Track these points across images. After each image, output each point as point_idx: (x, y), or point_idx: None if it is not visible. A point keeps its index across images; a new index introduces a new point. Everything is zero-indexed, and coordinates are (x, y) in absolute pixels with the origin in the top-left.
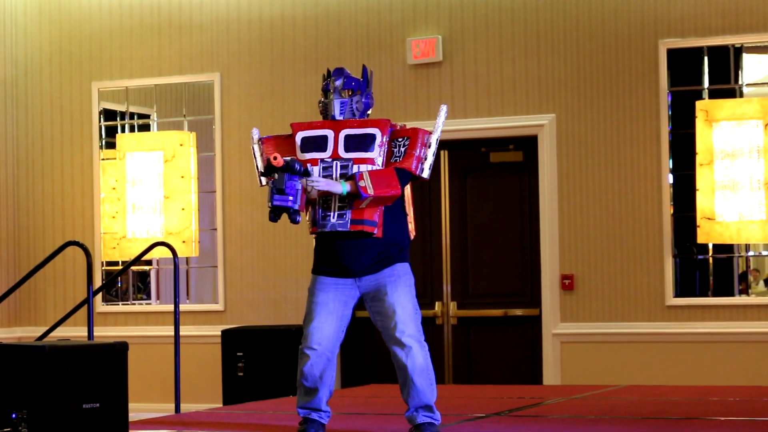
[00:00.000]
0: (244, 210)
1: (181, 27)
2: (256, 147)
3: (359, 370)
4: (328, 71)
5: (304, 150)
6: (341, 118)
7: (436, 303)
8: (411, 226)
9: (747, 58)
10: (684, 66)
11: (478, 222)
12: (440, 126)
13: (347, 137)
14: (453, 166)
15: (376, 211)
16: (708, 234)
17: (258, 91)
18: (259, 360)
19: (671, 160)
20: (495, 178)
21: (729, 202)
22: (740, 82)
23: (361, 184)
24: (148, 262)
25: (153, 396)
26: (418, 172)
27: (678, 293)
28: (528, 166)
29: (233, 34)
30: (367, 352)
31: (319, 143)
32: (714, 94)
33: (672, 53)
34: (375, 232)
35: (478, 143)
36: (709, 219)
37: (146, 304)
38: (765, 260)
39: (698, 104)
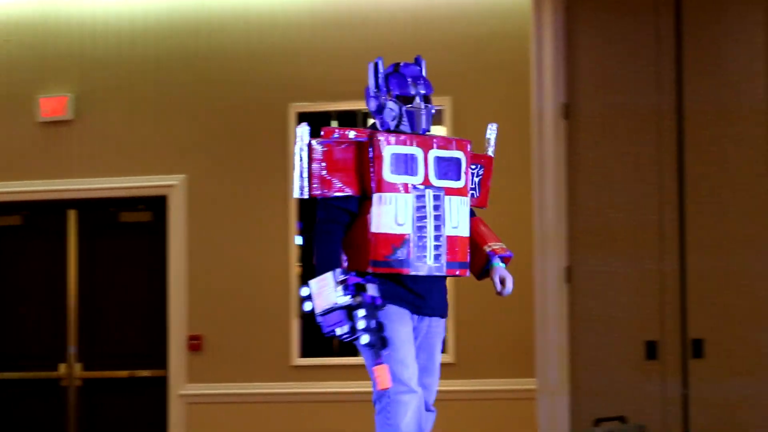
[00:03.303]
0: None
1: None
2: (305, 154)
3: None
4: (397, 66)
5: (395, 171)
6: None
7: (60, 365)
8: None
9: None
10: (313, 129)
11: (107, 282)
12: (494, 146)
13: (438, 160)
14: (82, 225)
15: (468, 251)
16: None
17: None
18: None
19: (300, 223)
20: (124, 239)
21: None
22: None
23: (498, 248)
24: None
25: None
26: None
27: (304, 353)
28: (158, 227)
29: None
30: None
31: (408, 164)
32: None
33: (302, 117)
34: (468, 273)
35: (107, 203)
36: None
37: None
38: None
39: None
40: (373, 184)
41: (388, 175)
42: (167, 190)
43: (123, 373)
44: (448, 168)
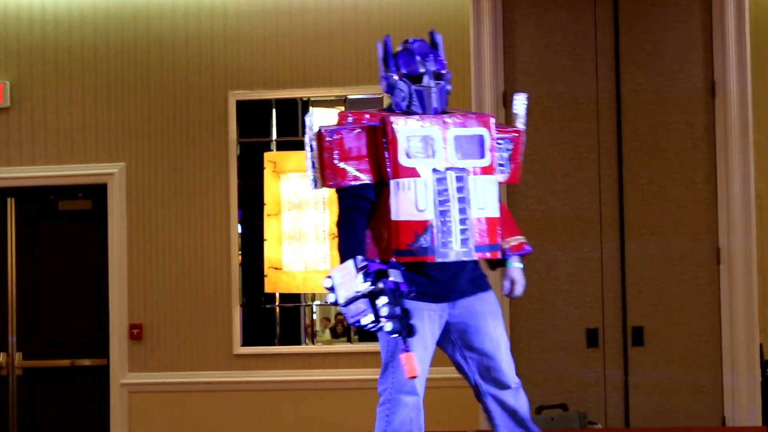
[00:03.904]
0: None
1: None
2: (315, 144)
3: None
4: (406, 43)
5: (411, 154)
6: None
7: (0, 354)
8: None
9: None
10: (253, 117)
11: (47, 271)
12: (524, 118)
13: (458, 139)
14: (20, 214)
15: (498, 232)
16: (275, 284)
17: None
18: None
19: (240, 211)
20: (64, 227)
21: (295, 253)
22: None
23: (516, 244)
24: None
25: None
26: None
27: (245, 342)
28: (97, 215)
29: None
30: None
31: (426, 146)
32: (282, 146)
33: (241, 105)
34: (499, 255)
35: (46, 191)
36: (276, 269)
37: None
38: (332, 309)
39: (266, 155)
40: (389, 170)
41: (404, 159)
42: (107, 178)
43: (64, 362)
44: (470, 146)
